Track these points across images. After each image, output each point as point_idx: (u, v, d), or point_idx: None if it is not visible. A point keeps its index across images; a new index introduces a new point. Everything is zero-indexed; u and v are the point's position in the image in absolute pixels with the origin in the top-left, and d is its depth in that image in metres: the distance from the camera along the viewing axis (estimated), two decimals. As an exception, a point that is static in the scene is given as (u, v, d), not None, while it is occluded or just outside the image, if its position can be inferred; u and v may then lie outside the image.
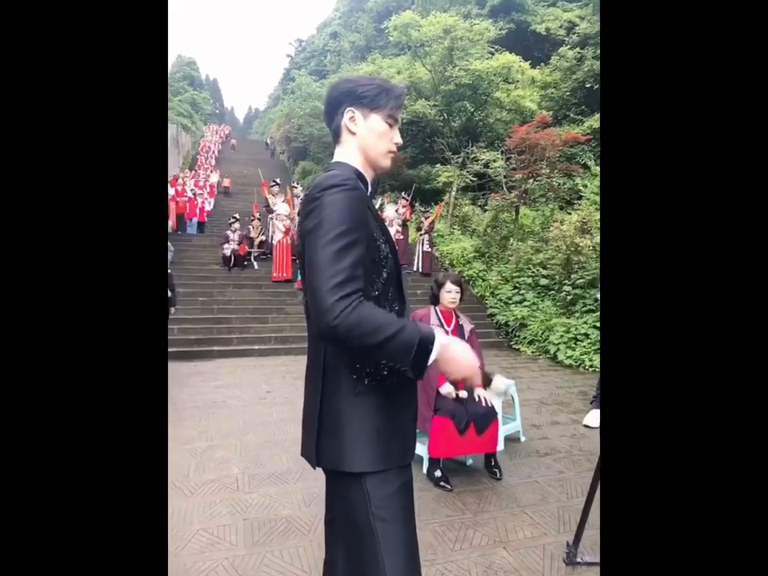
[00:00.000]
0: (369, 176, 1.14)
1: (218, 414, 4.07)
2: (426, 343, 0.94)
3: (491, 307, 8.65)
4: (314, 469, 1.10)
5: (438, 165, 14.56)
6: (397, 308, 1.11)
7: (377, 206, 10.67)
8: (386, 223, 9.56)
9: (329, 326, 0.89)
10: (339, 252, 0.93)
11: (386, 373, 1.05)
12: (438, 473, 2.79)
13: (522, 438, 3.56)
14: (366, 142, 1.10)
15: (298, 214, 1.09)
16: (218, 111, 58.17)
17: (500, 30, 16.66)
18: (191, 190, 12.37)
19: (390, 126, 1.11)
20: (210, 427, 3.73)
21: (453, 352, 0.98)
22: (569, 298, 7.59)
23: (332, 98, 1.13)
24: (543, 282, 8.31)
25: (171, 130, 18.00)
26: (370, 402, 1.04)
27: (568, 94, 15.83)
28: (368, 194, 1.11)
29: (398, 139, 1.14)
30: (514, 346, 7.85)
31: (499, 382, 1.03)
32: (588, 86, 14.94)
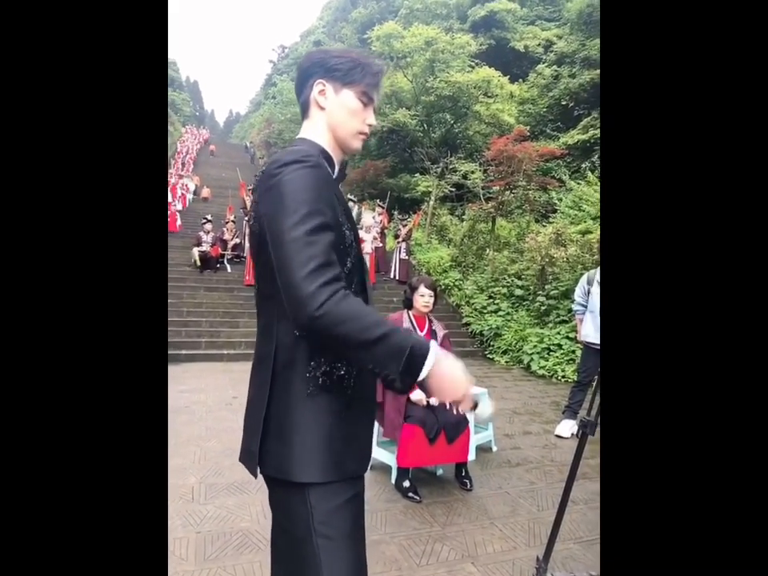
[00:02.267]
0: (336, 157, 1.04)
1: (179, 420, 3.86)
2: (420, 352, 0.82)
3: (466, 316, 8.62)
4: (255, 477, 0.97)
5: (418, 174, 14.61)
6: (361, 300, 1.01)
7: (353, 214, 10.63)
8: (364, 230, 9.54)
9: (312, 315, 0.78)
10: (309, 234, 0.81)
11: (342, 373, 0.94)
12: (406, 483, 2.68)
13: (494, 448, 3.48)
14: (336, 118, 1.00)
15: (253, 192, 1.02)
16: (197, 114, 57.54)
17: (480, 44, 16.95)
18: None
19: (364, 104, 1.01)
20: (171, 433, 3.52)
21: (448, 368, 0.85)
22: (543, 308, 7.62)
23: (302, 69, 1.03)
24: (518, 292, 8.34)
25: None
26: (324, 403, 0.93)
27: (545, 110, 16.17)
28: (334, 176, 1.01)
29: (372, 120, 1.03)
30: (488, 356, 7.83)
31: (485, 409, 0.92)
32: (564, 103, 15.29)
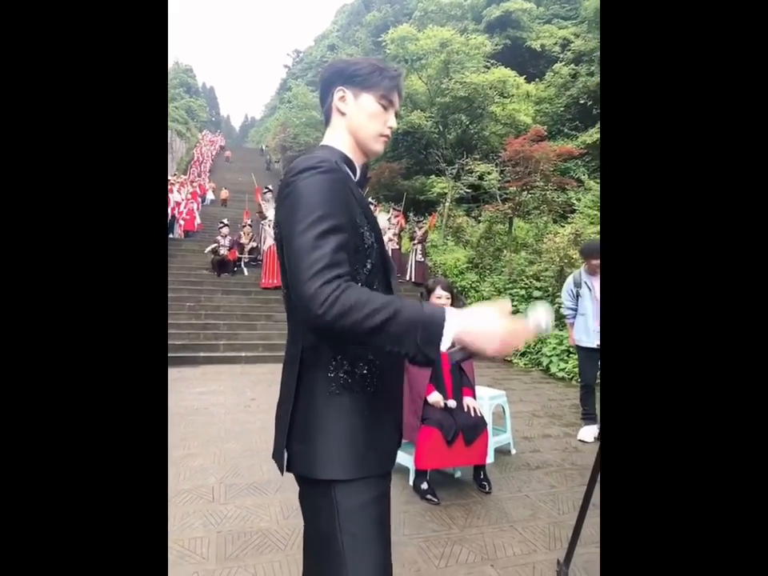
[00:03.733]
0: (358, 160, 1.05)
1: (198, 422, 3.92)
2: (436, 321, 0.80)
3: (483, 318, 8.57)
4: (282, 474, 0.99)
5: (433, 176, 14.59)
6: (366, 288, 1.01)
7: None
8: (379, 232, 9.53)
9: (316, 315, 0.78)
10: (318, 238, 0.83)
11: (365, 372, 0.96)
12: (424, 485, 2.67)
13: (513, 451, 3.45)
14: (356, 122, 1.02)
15: (275, 202, 1.04)
16: (213, 119, 58.39)
17: (496, 45, 16.90)
18: (183, 197, 12.14)
19: (384, 108, 1.03)
20: (190, 435, 3.58)
21: (477, 326, 0.82)
22: (562, 309, 7.53)
23: (324, 78, 1.06)
24: (536, 293, 8.26)
25: (166, 135, 17.92)
26: (346, 402, 0.94)
27: (562, 109, 16.00)
28: (355, 179, 1.03)
29: (393, 123, 1.05)
30: (506, 358, 7.76)
31: (541, 321, 0.87)
32: (582, 102, 15.11)
